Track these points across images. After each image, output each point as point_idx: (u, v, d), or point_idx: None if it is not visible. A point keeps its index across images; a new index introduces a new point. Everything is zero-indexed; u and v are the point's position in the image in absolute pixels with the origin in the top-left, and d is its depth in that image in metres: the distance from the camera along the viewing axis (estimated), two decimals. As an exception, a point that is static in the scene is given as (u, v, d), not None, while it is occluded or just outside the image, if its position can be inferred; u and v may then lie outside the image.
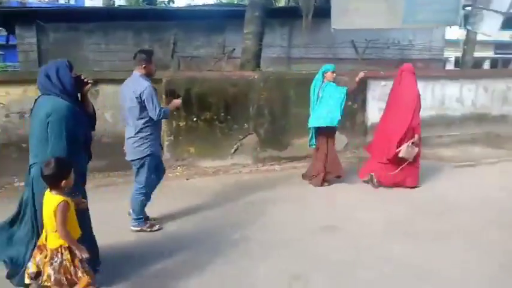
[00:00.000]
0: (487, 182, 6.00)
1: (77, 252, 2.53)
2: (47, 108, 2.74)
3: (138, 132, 3.77)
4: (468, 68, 10.42)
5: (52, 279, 2.50)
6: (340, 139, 7.21)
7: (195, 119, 6.49)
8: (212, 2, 18.89)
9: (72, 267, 2.53)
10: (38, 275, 2.57)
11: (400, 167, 5.31)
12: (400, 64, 5.97)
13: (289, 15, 9.91)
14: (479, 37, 10.48)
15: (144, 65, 3.82)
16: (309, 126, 5.59)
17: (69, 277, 2.53)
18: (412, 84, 5.39)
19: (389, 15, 7.36)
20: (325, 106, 5.38)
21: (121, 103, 3.95)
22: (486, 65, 27.74)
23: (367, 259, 3.53)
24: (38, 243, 2.64)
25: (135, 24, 9.97)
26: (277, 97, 6.96)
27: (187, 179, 6.11)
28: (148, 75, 3.88)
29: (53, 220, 2.50)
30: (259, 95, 6.82)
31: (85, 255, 2.54)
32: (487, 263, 3.47)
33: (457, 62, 29.61)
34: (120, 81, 4.12)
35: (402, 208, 4.82)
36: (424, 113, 7.02)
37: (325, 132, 5.52)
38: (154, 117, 3.75)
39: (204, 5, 15.40)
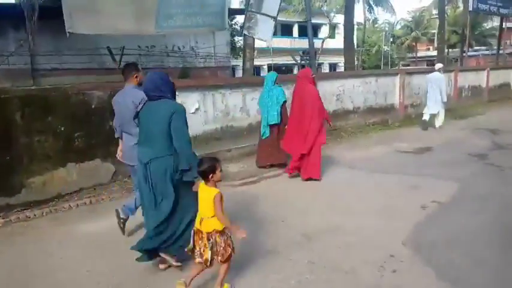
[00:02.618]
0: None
1: (237, 233, 2.90)
2: (173, 107, 3.25)
3: None
4: (250, 75, 10.10)
5: (209, 259, 2.89)
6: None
7: None
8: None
9: (221, 248, 2.91)
10: (192, 252, 2.99)
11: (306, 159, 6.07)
12: (183, 73, 4.96)
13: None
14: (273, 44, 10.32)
15: (135, 75, 4.15)
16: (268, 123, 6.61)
17: (218, 257, 2.92)
18: (311, 86, 6.11)
19: (140, 19, 6.10)
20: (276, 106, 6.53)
21: (117, 114, 4.19)
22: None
23: None
24: (195, 228, 2.99)
25: None
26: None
27: None
28: (140, 84, 4.03)
29: (210, 207, 2.87)
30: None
31: (243, 235, 2.89)
32: None
33: (270, 69, 32.06)
34: None
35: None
36: (209, 126, 6.98)
37: (275, 127, 6.67)
38: None
39: None
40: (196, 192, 3.03)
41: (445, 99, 10.41)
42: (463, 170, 6.50)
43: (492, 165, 6.75)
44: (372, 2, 41.54)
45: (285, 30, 36.03)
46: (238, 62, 28.28)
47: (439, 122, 10.65)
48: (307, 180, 6.15)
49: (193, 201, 3.12)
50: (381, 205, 5.02)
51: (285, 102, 6.57)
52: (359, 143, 9.11)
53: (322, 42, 33.58)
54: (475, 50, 46.43)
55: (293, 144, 6.15)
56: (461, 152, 7.74)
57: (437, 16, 48.68)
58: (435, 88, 10.35)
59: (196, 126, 7.36)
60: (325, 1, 37.94)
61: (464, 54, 26.84)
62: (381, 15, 50.58)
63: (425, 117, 10.59)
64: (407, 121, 11.80)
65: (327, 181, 6.19)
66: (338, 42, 39.56)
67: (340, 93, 10.30)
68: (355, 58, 41.73)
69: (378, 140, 9.27)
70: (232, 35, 8.87)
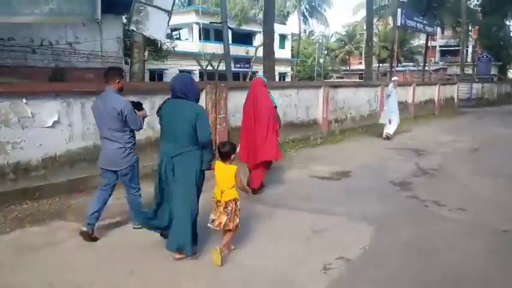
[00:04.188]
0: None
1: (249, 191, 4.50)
2: (197, 108, 3.66)
3: (125, 143, 4.07)
4: (139, 80, 8.20)
5: (223, 223, 3.58)
6: None
7: None
8: None
9: (234, 214, 3.63)
10: (212, 221, 3.65)
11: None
12: (56, 74, 4.83)
13: None
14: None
15: (118, 81, 4.09)
16: None
17: (230, 222, 3.61)
18: (265, 95, 5.84)
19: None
20: None
21: (96, 119, 4.13)
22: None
23: None
24: (216, 199, 3.66)
25: None
26: None
27: None
28: (121, 90, 4.12)
29: (230, 180, 3.61)
30: None
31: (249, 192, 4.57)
32: None
33: (201, 75, 30.37)
34: None
35: None
36: (75, 144, 5.86)
37: None
38: (137, 128, 4.14)
39: None
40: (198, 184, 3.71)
41: (395, 111, 11.27)
42: (382, 205, 5.40)
43: (415, 198, 5.74)
44: (306, 14, 41.67)
45: (218, 35, 34.67)
46: (160, 65, 26.69)
47: (390, 130, 11.03)
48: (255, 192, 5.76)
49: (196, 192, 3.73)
50: (270, 274, 3.65)
51: (275, 107, 6.11)
52: (273, 164, 7.82)
53: (256, 50, 32.67)
54: (404, 66, 48.33)
55: (250, 154, 5.81)
56: (382, 179, 6.72)
57: (369, 31, 50.33)
58: (391, 101, 11.13)
59: (54, 144, 5.65)
60: (261, 9, 37.27)
61: (392, 69, 27.26)
62: (316, 27, 51.14)
63: (388, 129, 11.08)
64: (331, 137, 10.83)
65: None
66: (284, 51, 39.09)
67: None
68: (291, 68, 41.73)
69: (295, 161, 8.05)
70: (128, 30, 7.13)
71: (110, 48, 8.76)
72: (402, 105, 15.18)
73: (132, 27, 6.56)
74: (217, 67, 21.08)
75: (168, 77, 29.91)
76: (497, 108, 22.77)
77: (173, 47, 24.27)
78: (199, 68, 28.66)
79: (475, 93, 25.62)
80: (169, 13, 6.48)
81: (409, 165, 7.83)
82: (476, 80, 27.96)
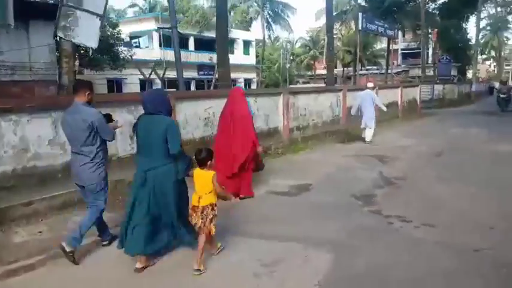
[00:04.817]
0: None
1: (231, 198, 4.38)
2: (166, 122, 3.76)
3: (94, 157, 3.96)
4: (70, 93, 7.22)
5: (197, 226, 3.66)
6: None
7: None
8: None
9: (208, 220, 3.65)
10: (195, 225, 3.69)
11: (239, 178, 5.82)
12: None
13: None
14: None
15: (88, 93, 4.01)
16: None
17: (204, 226, 3.65)
18: (243, 104, 5.87)
19: None
20: None
21: (66, 134, 4.09)
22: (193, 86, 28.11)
23: None
24: (192, 205, 3.72)
25: None
26: None
27: None
28: (90, 103, 4.03)
29: (208, 185, 3.66)
30: None
31: (233, 199, 4.68)
32: None
33: (144, 84, 29.29)
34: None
35: None
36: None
37: None
38: (110, 139, 4.08)
39: None
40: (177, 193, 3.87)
41: (384, 109, 11.67)
42: (342, 224, 4.83)
43: (378, 214, 5.22)
44: (270, 20, 41.50)
45: (180, 42, 33.79)
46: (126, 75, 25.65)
47: (368, 136, 10.98)
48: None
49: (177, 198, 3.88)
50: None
51: (252, 115, 6.22)
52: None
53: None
54: (367, 69, 48.96)
55: (221, 164, 5.60)
56: (343, 192, 6.19)
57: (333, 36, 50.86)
58: (368, 105, 10.91)
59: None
60: (230, 13, 36.76)
61: (356, 72, 27.29)
62: (280, 33, 51.20)
63: (366, 135, 11.06)
64: (293, 146, 10.27)
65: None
66: (237, 57, 38.61)
67: (209, 116, 8.34)
68: (256, 74, 41.34)
69: (253, 175, 7.42)
70: (55, 37, 6.26)
71: (41, 58, 7.85)
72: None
73: (60, 33, 5.77)
74: (163, 75, 20.18)
75: (127, 86, 28.86)
76: (458, 109, 23.09)
77: (131, 55, 23.29)
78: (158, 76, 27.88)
79: (437, 94, 25.97)
80: (102, 17, 5.74)
81: (372, 174, 7.36)
82: (438, 81, 28.43)
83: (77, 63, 7.79)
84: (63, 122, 4.11)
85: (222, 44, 12.16)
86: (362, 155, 9.26)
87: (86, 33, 5.79)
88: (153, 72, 20.45)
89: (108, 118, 4.24)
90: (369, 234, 4.53)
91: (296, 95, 11.14)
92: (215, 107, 8.50)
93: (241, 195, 5.87)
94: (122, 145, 6.60)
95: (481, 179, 6.85)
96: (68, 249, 3.86)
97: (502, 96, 20.61)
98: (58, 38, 5.95)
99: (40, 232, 4.93)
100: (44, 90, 7.82)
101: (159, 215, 3.81)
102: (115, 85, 27.41)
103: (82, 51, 21.40)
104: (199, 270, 3.61)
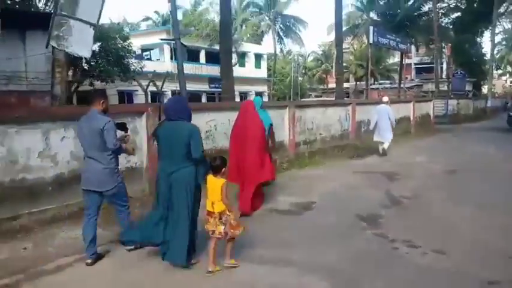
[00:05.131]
0: None
1: (232, 214, 3.88)
2: (190, 128, 4.00)
3: (108, 163, 4.11)
4: (62, 104, 6.89)
5: (222, 232, 3.78)
6: None
7: None
8: None
9: (229, 225, 3.80)
10: (213, 232, 3.81)
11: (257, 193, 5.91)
12: None
13: None
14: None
15: (102, 101, 4.18)
16: None
17: (231, 230, 3.82)
18: (255, 117, 5.92)
19: None
20: None
21: (81, 140, 4.21)
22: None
23: None
24: (207, 210, 3.86)
25: None
26: None
27: None
28: (105, 111, 4.20)
29: (218, 193, 3.76)
30: None
31: (237, 217, 4.08)
32: None
33: (155, 96, 29.42)
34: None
35: None
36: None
37: None
38: (111, 146, 4.07)
39: None
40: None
41: (394, 125, 11.51)
42: (343, 249, 4.46)
43: (383, 237, 4.83)
44: (281, 34, 41.49)
45: (191, 55, 33.94)
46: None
47: (385, 148, 11.11)
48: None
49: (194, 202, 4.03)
50: None
51: (271, 125, 6.55)
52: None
53: (230, 70, 32.05)
54: (380, 83, 48.48)
55: (239, 175, 5.82)
56: (347, 212, 5.82)
57: (345, 50, 50.65)
58: (384, 118, 11.07)
59: None
60: (236, 29, 36.88)
61: (369, 86, 26.91)
62: (291, 47, 51.23)
63: (381, 146, 11.17)
64: (299, 161, 9.92)
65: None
66: (248, 70, 38.60)
67: (210, 129, 8.08)
68: (267, 87, 41.23)
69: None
70: (47, 46, 6.07)
71: (37, 67, 7.71)
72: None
73: (53, 43, 5.60)
74: (162, 87, 20.06)
75: (138, 98, 28.93)
76: (473, 125, 22.45)
77: (141, 68, 23.34)
78: (172, 88, 27.92)
79: (451, 109, 25.36)
80: (95, 26, 5.57)
81: (380, 193, 6.96)
82: (452, 96, 27.81)
83: (70, 72, 7.60)
84: (78, 129, 4.27)
85: (225, 56, 11.90)
86: (371, 172, 8.87)
87: (79, 42, 5.62)
88: (159, 84, 20.29)
89: (123, 127, 4.43)
90: (372, 261, 4.15)
91: (303, 108, 10.84)
92: (217, 119, 8.27)
93: (263, 181, 6.00)
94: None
95: (497, 201, 6.38)
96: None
97: None
98: (52, 47, 5.80)
99: (25, 248, 4.69)
100: (40, 101, 7.67)
101: (174, 215, 3.98)
102: (126, 97, 27.50)
103: (93, 63, 21.84)
104: (211, 272, 3.80)
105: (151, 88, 25.48)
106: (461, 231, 5.02)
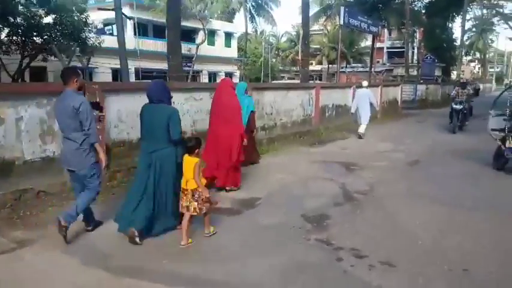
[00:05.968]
0: None
1: (203, 191, 4.04)
2: (169, 111, 4.22)
3: (83, 143, 4.07)
4: None
5: (197, 208, 4.02)
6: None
7: None
8: None
9: (201, 200, 4.03)
10: (187, 208, 4.04)
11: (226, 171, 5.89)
12: None
13: None
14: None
15: (75, 80, 4.11)
16: None
17: (203, 206, 4.06)
18: (232, 96, 6.03)
19: None
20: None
21: (57, 119, 4.20)
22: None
23: None
24: (182, 188, 4.08)
25: None
26: None
27: None
28: (80, 90, 4.19)
29: (191, 171, 3.97)
30: None
31: (207, 195, 4.07)
32: None
33: (137, 73, 27.89)
34: None
35: None
36: None
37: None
38: (86, 128, 4.03)
39: None
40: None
41: (377, 107, 12.54)
42: (278, 261, 3.79)
43: (327, 244, 4.18)
44: (253, 12, 40.20)
45: (157, 31, 32.38)
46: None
47: (362, 129, 11.46)
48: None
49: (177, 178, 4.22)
50: None
51: (252, 111, 7.13)
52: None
53: (197, 47, 30.82)
54: (352, 67, 48.15)
55: (213, 156, 5.89)
56: (294, 211, 5.15)
57: (318, 31, 49.78)
58: (364, 103, 11.45)
59: None
60: (206, 6, 35.38)
61: (339, 70, 26.36)
62: (264, 26, 49.96)
63: (360, 129, 11.47)
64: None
65: None
66: (218, 50, 37.35)
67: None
68: (237, 68, 40.11)
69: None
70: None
71: None
72: (341, 109, 13.96)
73: None
74: (121, 64, 18.78)
75: (98, 76, 27.38)
76: (440, 110, 22.27)
77: (99, 43, 21.85)
78: (135, 66, 26.49)
79: (420, 94, 25.18)
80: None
81: (334, 186, 6.35)
82: (421, 81, 27.64)
83: None
84: (55, 109, 4.27)
85: (173, 30, 10.68)
86: (329, 162, 8.27)
87: None
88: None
89: (97, 106, 4.49)
90: (307, 278, 3.49)
91: (261, 90, 10.07)
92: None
93: (227, 188, 5.97)
94: (31, 146, 5.44)
95: (461, 196, 5.90)
96: (63, 223, 3.96)
97: (456, 107, 12.60)
98: None
99: None
100: None
101: (160, 194, 4.20)
102: (84, 74, 25.93)
103: (46, 37, 20.19)
104: (184, 245, 4.03)
105: (114, 66, 24.04)
106: (418, 235, 4.43)
